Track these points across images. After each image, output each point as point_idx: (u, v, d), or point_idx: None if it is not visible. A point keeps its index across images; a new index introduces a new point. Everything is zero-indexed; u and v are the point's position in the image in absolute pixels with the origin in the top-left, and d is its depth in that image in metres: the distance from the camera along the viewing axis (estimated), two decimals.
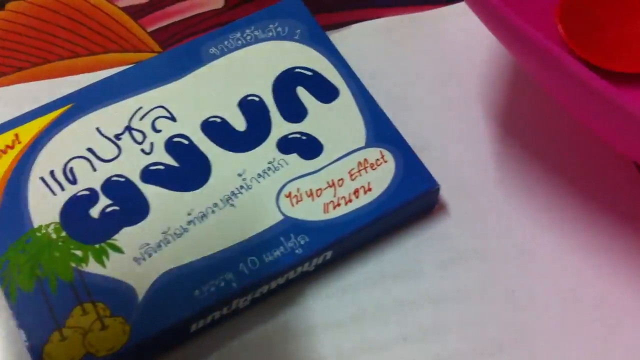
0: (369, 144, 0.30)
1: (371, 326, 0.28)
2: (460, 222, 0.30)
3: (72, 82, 0.34)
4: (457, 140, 0.31)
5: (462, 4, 0.35)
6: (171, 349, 0.27)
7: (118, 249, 0.27)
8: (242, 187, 0.29)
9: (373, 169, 0.29)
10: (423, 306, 0.28)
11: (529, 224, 0.30)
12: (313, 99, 0.31)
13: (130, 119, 0.30)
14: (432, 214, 0.30)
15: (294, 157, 0.29)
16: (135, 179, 0.29)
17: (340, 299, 0.28)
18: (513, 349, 0.27)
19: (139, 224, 0.28)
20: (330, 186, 0.29)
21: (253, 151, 0.30)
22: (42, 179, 0.29)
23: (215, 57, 0.32)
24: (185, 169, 0.29)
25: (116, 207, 0.28)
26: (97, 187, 0.29)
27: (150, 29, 0.35)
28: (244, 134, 0.30)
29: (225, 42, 0.32)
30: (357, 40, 0.34)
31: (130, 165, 0.29)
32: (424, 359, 0.27)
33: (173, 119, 0.30)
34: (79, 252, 0.27)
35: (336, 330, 0.28)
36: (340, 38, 0.34)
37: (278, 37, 0.32)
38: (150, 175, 0.29)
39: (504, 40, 0.26)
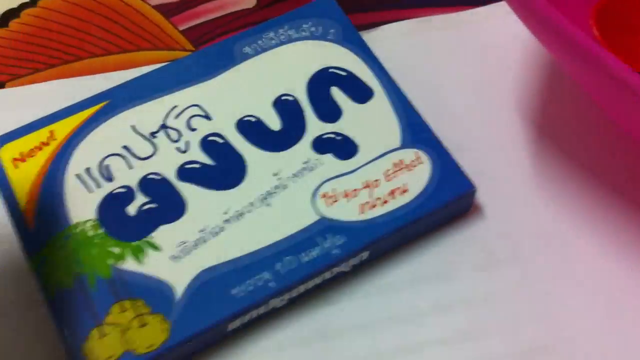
0: (405, 145, 0.29)
1: (406, 328, 0.28)
2: (496, 224, 0.30)
3: (104, 79, 0.34)
4: (493, 143, 0.31)
5: (496, 5, 0.35)
6: (208, 348, 0.27)
7: (155, 247, 0.27)
8: (277, 186, 0.29)
9: (409, 170, 0.29)
10: (458, 309, 0.28)
11: (565, 227, 0.30)
12: (347, 99, 0.31)
13: (166, 117, 0.30)
14: (467, 216, 0.30)
15: (329, 157, 0.29)
16: (171, 177, 0.29)
17: (376, 301, 0.28)
18: (549, 352, 0.27)
19: (176, 222, 0.28)
20: (366, 187, 0.29)
21: (288, 151, 0.29)
22: (78, 176, 0.29)
23: (248, 56, 0.32)
24: (221, 168, 0.29)
25: (153, 205, 0.28)
26: (134, 185, 0.29)
27: (182, 28, 0.35)
28: (278, 133, 0.30)
29: (259, 42, 0.32)
30: (390, 40, 0.34)
31: (166, 163, 0.29)
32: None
33: (208, 117, 0.30)
34: (116, 250, 0.27)
35: (371, 332, 0.28)
36: (373, 38, 0.34)
37: (312, 36, 0.32)
38: (186, 173, 0.29)
39: (545, 40, 0.26)
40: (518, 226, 0.30)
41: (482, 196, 0.30)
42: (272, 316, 0.28)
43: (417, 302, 0.28)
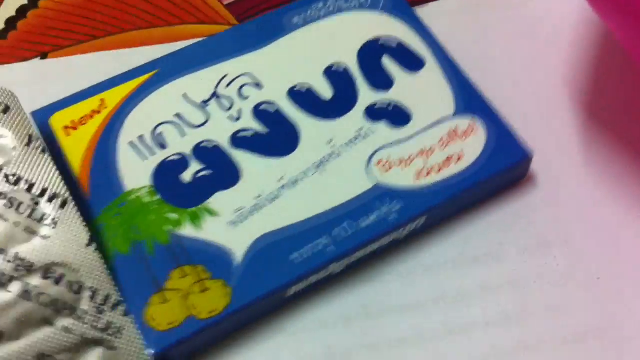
0: (459, 112, 0.29)
1: (453, 308, 0.27)
2: (546, 205, 0.29)
3: (147, 52, 0.33)
4: (543, 120, 0.31)
5: None
6: (267, 314, 0.27)
7: (213, 213, 0.27)
8: (331, 154, 0.28)
9: (464, 138, 0.29)
10: (506, 290, 0.27)
11: (617, 209, 0.29)
12: (399, 68, 0.30)
13: (217, 85, 0.30)
14: (518, 191, 0.29)
15: (382, 126, 0.29)
16: (225, 144, 0.29)
17: (422, 280, 0.28)
18: (597, 337, 0.27)
19: (232, 189, 0.28)
20: (420, 154, 0.28)
21: (341, 119, 0.29)
22: (132, 143, 0.29)
23: (298, 26, 0.32)
24: (274, 136, 0.29)
25: (208, 172, 0.28)
26: (188, 152, 0.28)
27: (226, 2, 0.35)
28: (330, 102, 0.30)
29: (309, 12, 0.32)
30: (440, 16, 0.34)
31: (219, 131, 0.29)
32: (506, 344, 0.26)
33: (259, 86, 0.30)
34: (173, 216, 0.27)
35: (417, 311, 0.27)
36: (423, 14, 0.34)
37: (361, 7, 0.32)
38: (240, 141, 0.29)
39: (603, 8, 0.25)
40: (568, 208, 0.29)
41: (531, 175, 0.30)
42: (328, 283, 0.27)
43: (465, 282, 0.28)
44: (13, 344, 0.24)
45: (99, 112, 0.29)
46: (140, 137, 0.29)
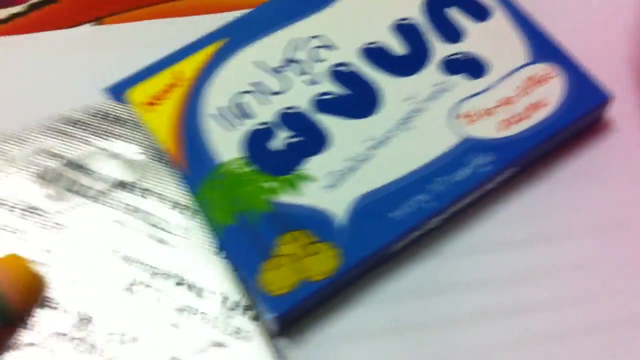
0: (533, 59, 0.29)
1: (520, 287, 0.27)
2: (612, 185, 0.29)
3: (202, 20, 0.33)
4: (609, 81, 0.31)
5: None
6: (372, 270, 0.27)
7: (309, 178, 0.27)
8: (414, 110, 0.29)
9: (543, 84, 0.29)
10: (570, 272, 0.27)
11: None
12: (466, 18, 0.30)
13: (289, 50, 0.30)
14: (583, 165, 0.30)
15: (460, 78, 0.29)
16: (309, 109, 0.28)
17: (492, 256, 0.28)
18: None
19: (323, 153, 0.28)
20: (503, 104, 0.29)
21: (418, 74, 0.29)
22: (215, 115, 0.28)
23: None
24: (355, 97, 0.29)
25: (297, 138, 0.28)
26: (274, 120, 0.28)
27: None
28: (404, 58, 0.30)
29: None
30: None
31: (300, 96, 0.29)
32: (575, 325, 0.27)
33: (332, 47, 0.30)
34: (271, 184, 0.27)
35: (482, 289, 0.27)
36: None
37: None
38: (322, 104, 0.29)
39: None
40: (633, 192, 0.29)
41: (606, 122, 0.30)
42: (424, 238, 0.28)
43: (534, 261, 0.28)
44: (147, 346, 0.24)
45: (176, 85, 0.29)
46: (223, 108, 0.29)
